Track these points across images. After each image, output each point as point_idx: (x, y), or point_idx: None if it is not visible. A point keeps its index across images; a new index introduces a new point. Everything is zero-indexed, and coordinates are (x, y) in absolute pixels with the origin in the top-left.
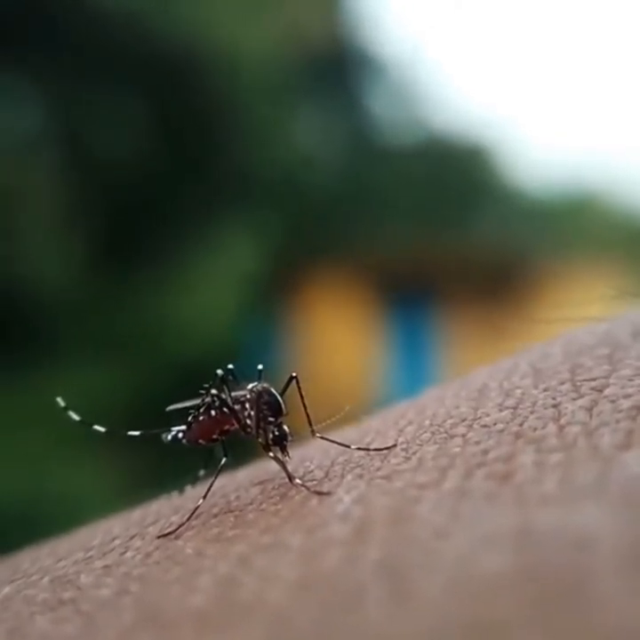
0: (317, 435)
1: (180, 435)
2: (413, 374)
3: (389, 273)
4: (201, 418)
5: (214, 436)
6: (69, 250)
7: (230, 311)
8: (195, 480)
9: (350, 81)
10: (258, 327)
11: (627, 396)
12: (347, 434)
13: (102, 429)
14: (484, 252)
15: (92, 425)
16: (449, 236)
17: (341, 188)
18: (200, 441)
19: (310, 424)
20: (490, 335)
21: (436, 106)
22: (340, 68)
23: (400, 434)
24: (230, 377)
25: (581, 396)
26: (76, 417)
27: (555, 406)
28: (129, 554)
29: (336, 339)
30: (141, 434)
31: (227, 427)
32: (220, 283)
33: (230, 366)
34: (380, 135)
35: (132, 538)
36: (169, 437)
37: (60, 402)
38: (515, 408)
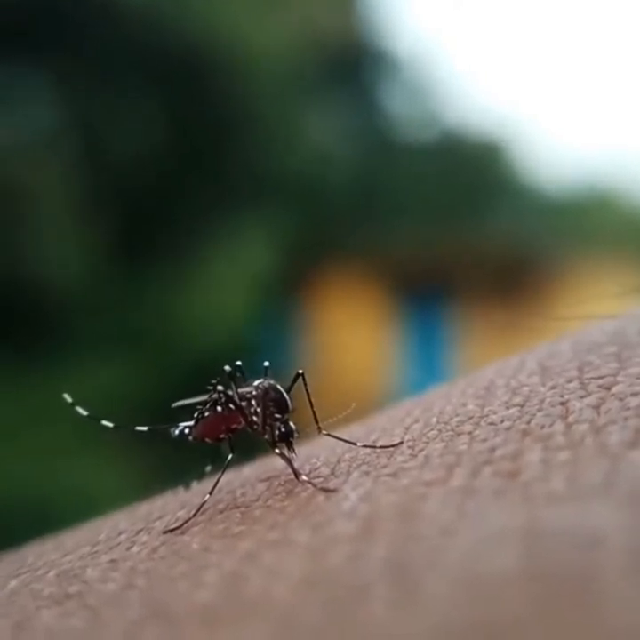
0: (323, 432)
1: (187, 431)
2: (427, 371)
3: (403, 270)
4: (207, 414)
5: (221, 435)
6: (83, 247)
7: (244, 308)
8: (201, 476)
9: (365, 78)
10: (271, 324)
11: (635, 394)
12: (353, 431)
13: (110, 425)
14: (499, 249)
15: (100, 420)
16: (463, 233)
17: (355, 185)
18: (206, 439)
19: (316, 421)
20: (504, 332)
21: (451, 103)
22: (354, 65)
23: (406, 431)
24: (238, 374)
25: (589, 394)
26: (83, 412)
27: (562, 404)
28: (135, 548)
29: (350, 336)
30: (149, 429)
31: (234, 425)
32: (233, 280)
33: (238, 363)
34: (395, 132)
35: (138, 533)
36: (176, 433)
37: (68, 398)
38: (522, 406)
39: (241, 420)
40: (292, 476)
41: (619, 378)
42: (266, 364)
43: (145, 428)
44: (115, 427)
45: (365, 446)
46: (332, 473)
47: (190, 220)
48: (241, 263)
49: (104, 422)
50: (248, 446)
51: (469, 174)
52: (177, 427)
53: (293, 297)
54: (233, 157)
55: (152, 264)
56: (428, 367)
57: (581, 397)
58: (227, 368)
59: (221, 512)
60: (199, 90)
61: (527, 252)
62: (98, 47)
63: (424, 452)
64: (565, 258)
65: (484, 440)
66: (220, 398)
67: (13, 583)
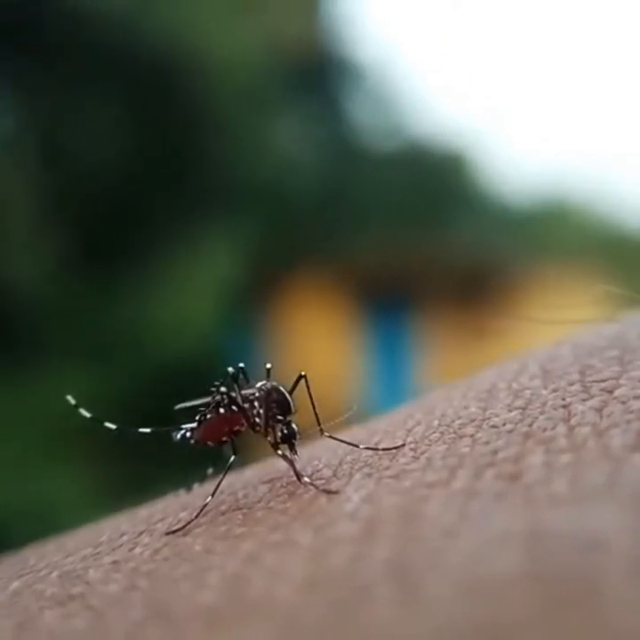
0: (326, 434)
1: (189, 434)
2: (392, 379)
3: (368, 278)
4: (210, 416)
5: (223, 437)
6: (48, 253)
7: (210, 315)
8: (203, 478)
9: (330, 87)
10: (237, 331)
11: (637, 397)
12: (354, 433)
13: (113, 426)
14: (462, 258)
15: (102, 422)
16: (427, 242)
17: (321, 194)
18: (208, 442)
19: (319, 423)
20: (467, 339)
21: (415, 112)
22: (320, 74)
23: (408, 434)
24: (241, 376)
25: (591, 397)
26: (86, 414)
27: (564, 407)
28: (137, 550)
29: (315, 343)
30: (152, 431)
31: (236, 427)
32: (199, 287)
33: (241, 365)
34: (360, 141)
35: (140, 534)
36: (178, 436)
37: (71, 400)
38: (524, 409)
39: (243, 421)
40: (294, 478)
41: (621, 381)
42: (268, 365)
43: (147, 430)
44: (118, 429)
45: (368, 448)
46: (335, 475)
47: (157, 225)
48: (208, 269)
49: (107, 424)
50: (250, 448)
51: (433, 183)
52: (179, 429)
53: (259, 304)
54: (199, 163)
55: (119, 270)
56: (392, 373)
57: (583, 400)
58: (230, 369)
59: (223, 514)
60: (165, 95)
61: (489, 260)
62: (63, 52)
63: (426, 455)
64: (527, 267)
65: (487, 443)
66: (223, 400)
67: (16, 584)
